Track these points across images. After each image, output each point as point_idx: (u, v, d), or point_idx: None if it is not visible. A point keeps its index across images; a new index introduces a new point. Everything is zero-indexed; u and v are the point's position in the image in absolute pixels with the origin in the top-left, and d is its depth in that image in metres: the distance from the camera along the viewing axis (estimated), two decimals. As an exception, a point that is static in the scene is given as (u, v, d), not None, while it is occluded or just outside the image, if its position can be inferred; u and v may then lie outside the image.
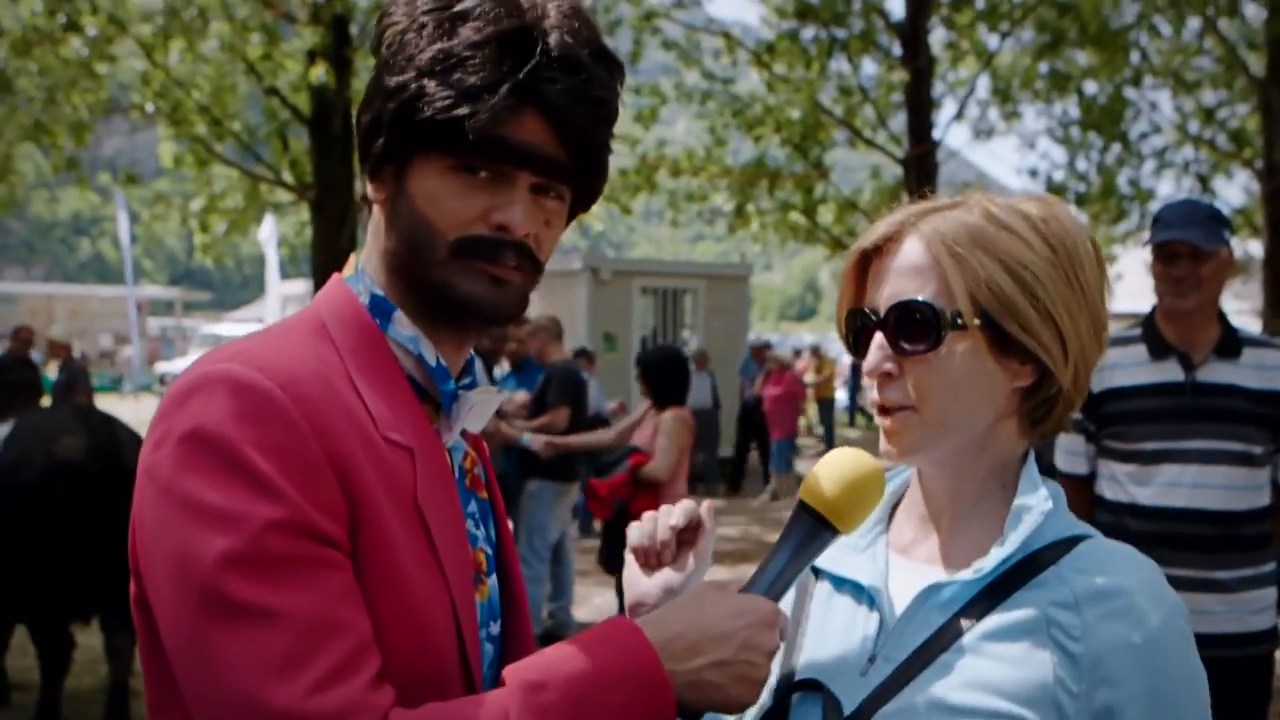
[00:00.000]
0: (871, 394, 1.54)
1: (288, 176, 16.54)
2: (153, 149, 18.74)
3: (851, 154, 21.38)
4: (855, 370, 25.10)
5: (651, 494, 6.97)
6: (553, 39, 1.41)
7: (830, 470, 1.51)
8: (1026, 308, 1.46)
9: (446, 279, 1.43)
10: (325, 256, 14.58)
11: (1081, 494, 3.98)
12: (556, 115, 1.42)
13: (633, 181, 18.26)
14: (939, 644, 1.44)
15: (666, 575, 1.56)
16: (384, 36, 1.45)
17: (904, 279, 1.50)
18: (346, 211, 14.73)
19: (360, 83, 14.12)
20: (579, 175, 1.48)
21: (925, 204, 1.55)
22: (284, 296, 22.00)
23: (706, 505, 1.60)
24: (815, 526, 1.49)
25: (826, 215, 19.45)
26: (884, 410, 1.53)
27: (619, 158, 19.16)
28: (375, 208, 1.49)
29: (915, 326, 1.48)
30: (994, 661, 1.41)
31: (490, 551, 1.58)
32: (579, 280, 16.68)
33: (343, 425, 1.34)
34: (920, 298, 1.48)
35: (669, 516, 1.57)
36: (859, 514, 1.51)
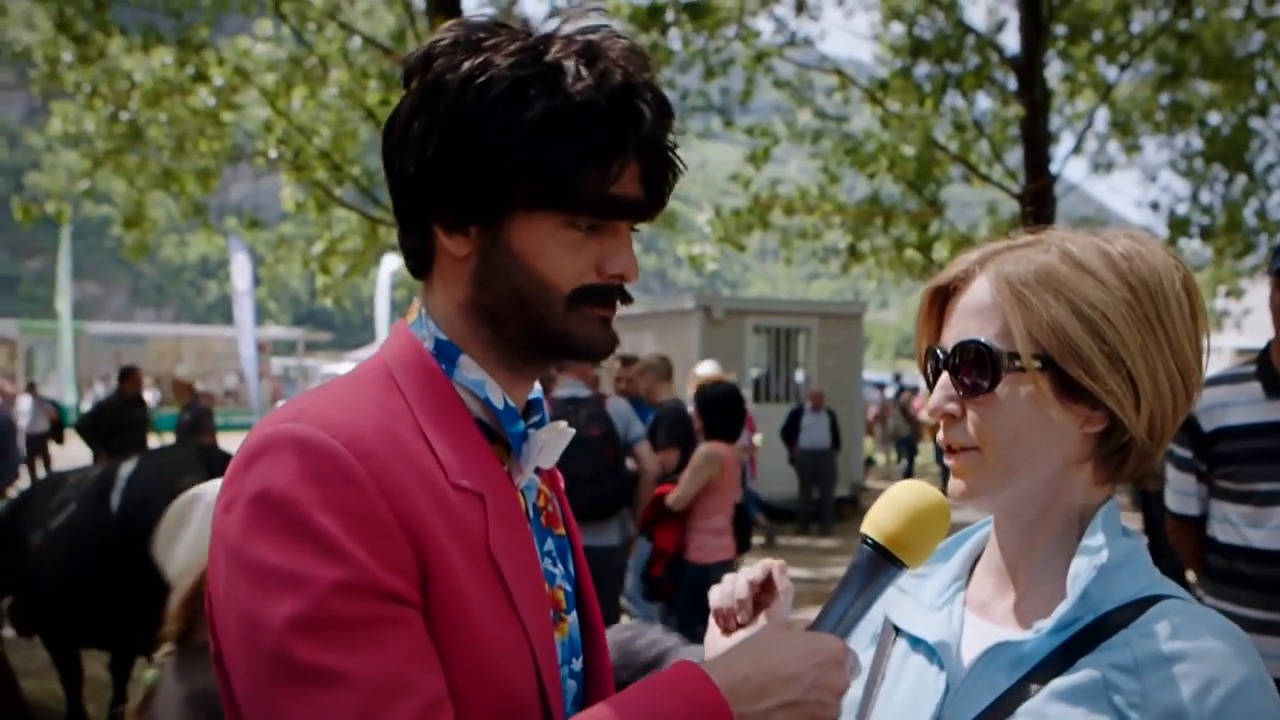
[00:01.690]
0: (940, 433, 1.52)
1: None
2: (276, 194, 19.23)
3: (967, 190, 21.18)
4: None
5: (674, 524, 7.10)
6: (649, 93, 1.44)
7: (893, 503, 1.49)
8: (1093, 351, 1.40)
9: (565, 328, 1.45)
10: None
11: (1192, 536, 3.88)
12: (657, 165, 1.46)
13: (746, 220, 18.29)
14: (1003, 708, 1.40)
15: (742, 636, 1.55)
16: (448, 85, 1.41)
17: (969, 319, 1.48)
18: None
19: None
20: (657, 211, 1.51)
21: (1002, 242, 1.52)
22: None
23: (779, 565, 1.59)
24: (880, 560, 1.47)
25: (942, 252, 19.24)
26: (950, 450, 1.50)
27: (733, 197, 19.27)
28: (445, 257, 1.48)
29: (974, 367, 1.45)
30: None
31: (569, 589, 1.58)
32: (691, 319, 16.70)
33: (410, 479, 1.33)
34: (981, 338, 1.45)
35: (746, 580, 1.56)
36: (923, 547, 1.48)
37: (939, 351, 1.51)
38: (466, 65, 1.40)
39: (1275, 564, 3.54)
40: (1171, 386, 1.44)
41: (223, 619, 1.33)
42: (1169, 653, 1.33)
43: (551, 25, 1.46)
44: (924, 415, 21.29)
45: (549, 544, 1.56)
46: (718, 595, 1.58)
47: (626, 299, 1.51)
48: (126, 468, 6.27)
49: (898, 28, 19.30)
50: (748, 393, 17.41)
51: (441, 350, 1.48)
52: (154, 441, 13.62)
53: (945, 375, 1.49)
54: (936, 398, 1.49)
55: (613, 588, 7.07)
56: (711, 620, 1.59)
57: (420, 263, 1.51)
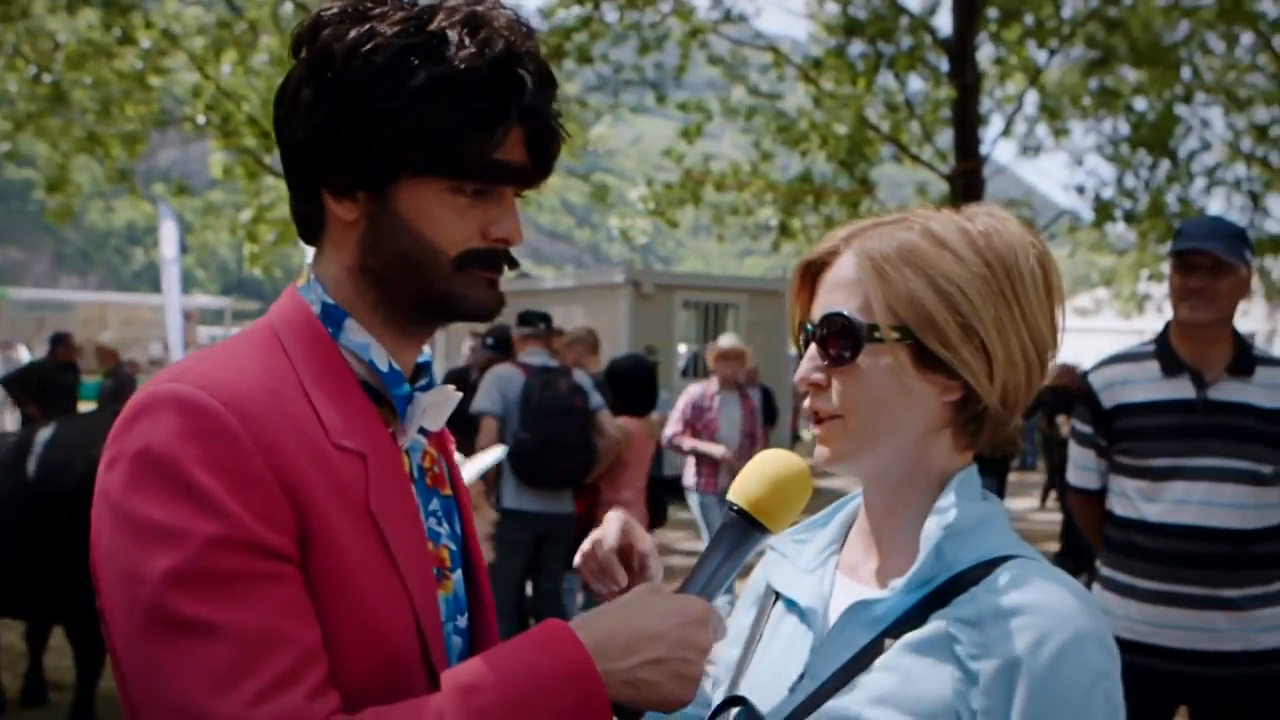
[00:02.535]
0: (805, 401, 1.58)
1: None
2: (204, 160, 19.01)
3: (898, 170, 21.35)
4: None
5: (586, 495, 7.36)
6: (531, 61, 1.47)
7: (757, 471, 1.56)
8: (948, 323, 1.46)
9: (452, 290, 1.50)
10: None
11: (1093, 509, 3.99)
12: (540, 132, 1.50)
13: (678, 195, 18.34)
14: (860, 662, 1.46)
15: None
16: (336, 53, 1.43)
17: (835, 293, 1.54)
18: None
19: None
20: (543, 179, 1.55)
21: (869, 220, 1.58)
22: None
23: (629, 523, 1.62)
24: (745, 526, 1.54)
25: (872, 231, 19.36)
26: (817, 418, 1.56)
27: (666, 172, 19.30)
28: (334, 223, 1.51)
29: (838, 338, 1.51)
30: (902, 678, 1.42)
31: (455, 547, 1.62)
32: (621, 293, 16.75)
33: (290, 438, 1.37)
34: (844, 311, 1.51)
35: (605, 543, 1.60)
36: (786, 513, 1.55)
37: (809, 324, 1.57)
38: (352, 34, 1.43)
39: (1170, 537, 3.66)
40: (1024, 357, 1.51)
41: (104, 574, 1.35)
42: (1009, 606, 1.40)
43: None
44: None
45: (434, 503, 1.60)
46: (582, 564, 1.62)
47: (513, 264, 1.56)
48: (44, 433, 6.17)
49: (832, 7, 19.35)
50: (679, 367, 17.47)
51: (328, 313, 1.52)
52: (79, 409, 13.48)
53: (812, 346, 1.55)
54: (804, 367, 1.55)
55: (564, 551, 7.19)
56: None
57: (310, 229, 1.55)
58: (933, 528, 1.47)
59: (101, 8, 15.12)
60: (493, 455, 3.47)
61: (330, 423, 1.42)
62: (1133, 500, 3.75)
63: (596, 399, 7.24)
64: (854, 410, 1.52)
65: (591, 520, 7.38)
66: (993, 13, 18.59)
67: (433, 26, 1.44)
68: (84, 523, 4.65)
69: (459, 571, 1.62)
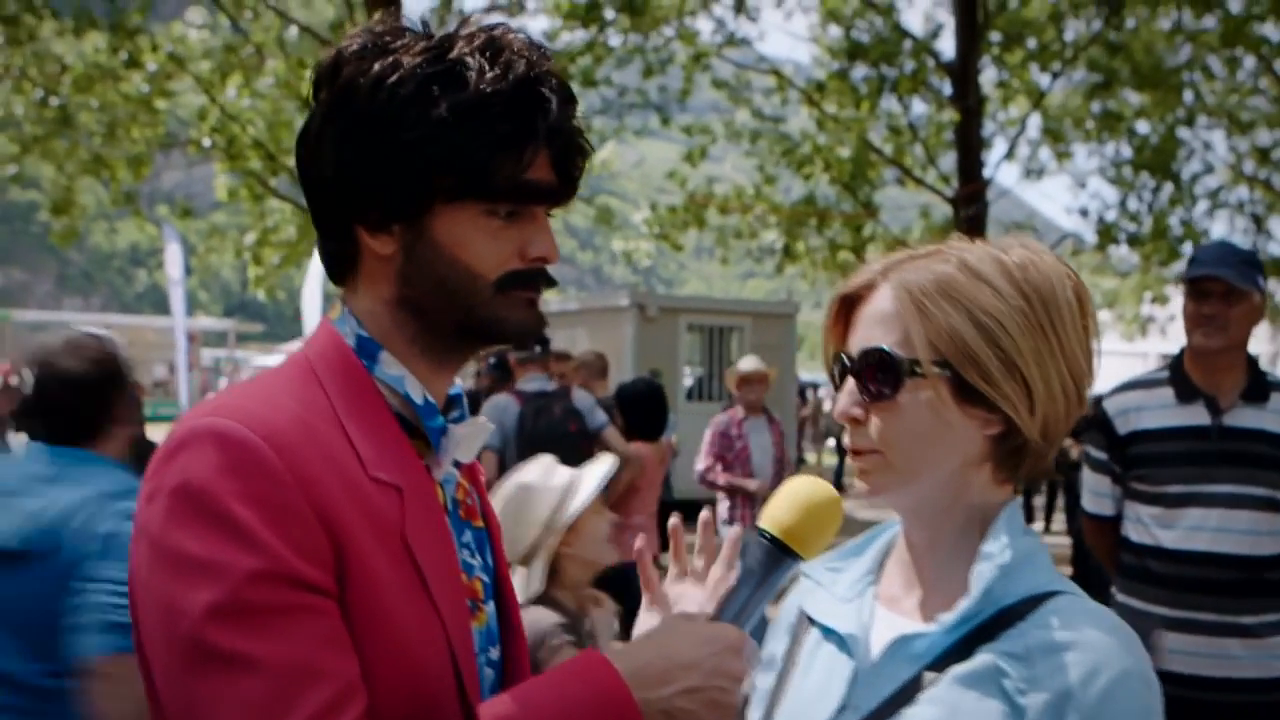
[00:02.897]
0: (845, 437, 1.58)
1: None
2: (209, 183, 19.03)
3: (901, 193, 21.38)
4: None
5: None
6: (552, 80, 1.49)
7: (788, 498, 1.55)
8: (989, 357, 1.46)
9: (494, 314, 1.51)
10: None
11: (1107, 535, 3.99)
12: (567, 149, 1.51)
13: (682, 218, 18.37)
14: (904, 696, 1.46)
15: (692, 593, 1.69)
16: (360, 88, 1.45)
17: (873, 327, 1.54)
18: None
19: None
20: (571, 195, 1.56)
21: (904, 253, 1.58)
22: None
23: (702, 517, 1.66)
24: (776, 553, 1.53)
25: (875, 253, 19.37)
26: (856, 453, 1.56)
27: (670, 195, 19.34)
28: (369, 258, 1.51)
29: (877, 373, 1.51)
30: (949, 711, 1.42)
31: (487, 579, 1.62)
32: (625, 316, 16.75)
33: (327, 471, 1.37)
34: (884, 346, 1.51)
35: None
36: (819, 540, 1.55)
37: (845, 357, 1.57)
38: (376, 68, 1.45)
39: (1184, 563, 3.66)
40: (1064, 389, 1.51)
41: (143, 608, 1.36)
42: (1058, 642, 1.40)
43: (451, 27, 1.51)
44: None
45: (467, 536, 1.60)
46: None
47: (551, 282, 1.56)
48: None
49: (835, 30, 19.42)
50: (684, 390, 17.45)
51: (362, 346, 1.52)
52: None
53: (850, 380, 1.55)
54: (842, 402, 1.55)
55: None
56: (643, 606, 1.66)
57: (342, 266, 1.55)
58: (987, 567, 1.47)
59: (108, 31, 15.15)
60: (605, 467, 3.51)
61: (366, 455, 1.43)
62: (1148, 526, 3.75)
63: (598, 418, 7.12)
64: (894, 445, 1.52)
65: None
66: (995, 36, 18.66)
67: (454, 54, 1.45)
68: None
69: (491, 603, 1.62)
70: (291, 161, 16.58)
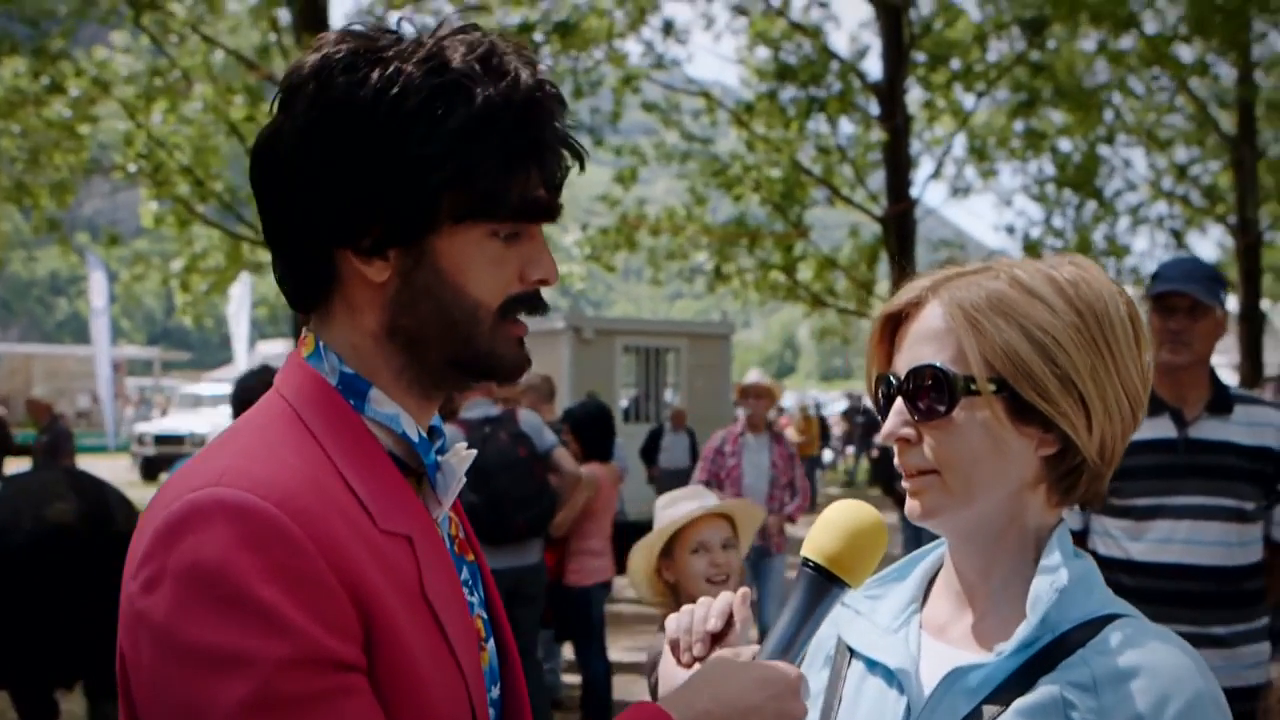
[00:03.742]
0: (896, 458, 1.52)
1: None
2: (132, 209, 18.77)
3: (830, 212, 21.57)
4: (866, 431, 24.87)
5: (552, 548, 7.06)
6: (553, 89, 1.40)
7: (830, 524, 1.49)
8: (1045, 374, 1.42)
9: (491, 349, 1.41)
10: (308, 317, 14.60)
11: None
12: (556, 163, 1.42)
13: (613, 240, 18.39)
14: None
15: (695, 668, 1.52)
16: (359, 100, 1.32)
17: (922, 345, 1.49)
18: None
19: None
20: (560, 210, 1.47)
21: (952, 269, 1.53)
22: (265, 356, 21.91)
23: (740, 595, 1.56)
24: (822, 582, 1.48)
25: (806, 273, 19.59)
26: (908, 474, 1.51)
27: (600, 217, 19.32)
28: (356, 284, 1.39)
29: (929, 392, 1.46)
30: None
31: (485, 615, 1.54)
32: (561, 339, 16.68)
33: (344, 532, 1.27)
34: (937, 363, 1.46)
35: (705, 615, 1.53)
36: (864, 566, 1.49)
37: (892, 378, 1.52)
38: (375, 77, 1.32)
39: (1155, 575, 3.67)
40: (1119, 408, 1.47)
41: (150, 707, 1.24)
42: (1125, 669, 1.36)
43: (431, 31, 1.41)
44: (790, 434, 21.57)
45: (464, 573, 1.51)
46: (674, 625, 1.55)
47: (545, 308, 1.47)
48: (-11, 492, 6.03)
49: (764, 52, 19.60)
50: (620, 411, 17.41)
51: (348, 384, 1.40)
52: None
53: (899, 401, 1.50)
54: (892, 423, 1.50)
55: (537, 608, 6.87)
56: (665, 649, 1.57)
57: (313, 293, 1.42)
58: (1044, 589, 1.42)
59: (30, 56, 14.90)
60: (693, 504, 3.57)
61: (373, 507, 1.33)
62: (1117, 540, 3.77)
63: (547, 439, 6.94)
64: (950, 466, 1.46)
65: (562, 575, 7.24)
66: (921, 57, 18.93)
67: (457, 64, 1.34)
68: (34, 582, 4.50)
69: (491, 641, 1.54)
70: (219, 187, 16.44)
